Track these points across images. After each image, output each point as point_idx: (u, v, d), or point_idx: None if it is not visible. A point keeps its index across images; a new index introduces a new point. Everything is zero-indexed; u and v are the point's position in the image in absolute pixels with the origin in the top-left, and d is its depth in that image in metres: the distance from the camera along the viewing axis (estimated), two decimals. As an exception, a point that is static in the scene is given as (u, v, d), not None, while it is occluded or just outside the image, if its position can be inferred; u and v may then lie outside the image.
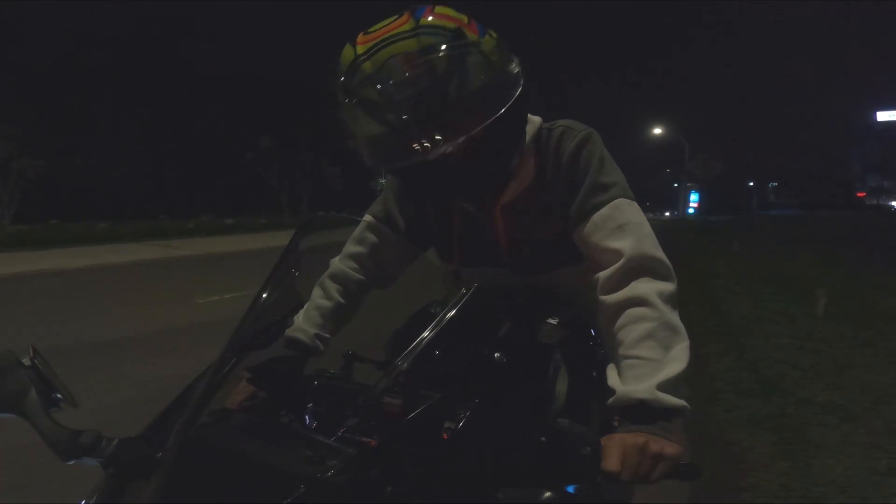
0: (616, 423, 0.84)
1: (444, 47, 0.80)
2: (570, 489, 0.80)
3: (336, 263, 1.16)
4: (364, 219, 1.19)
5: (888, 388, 3.40)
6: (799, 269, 9.09)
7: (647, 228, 0.96)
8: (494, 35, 0.89)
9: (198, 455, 0.64)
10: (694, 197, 39.00)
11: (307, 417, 0.82)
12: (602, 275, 0.94)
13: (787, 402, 3.20)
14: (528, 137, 1.03)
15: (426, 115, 0.80)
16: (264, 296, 0.80)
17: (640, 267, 0.92)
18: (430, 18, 0.83)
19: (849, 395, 3.28)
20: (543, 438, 0.71)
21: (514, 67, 0.88)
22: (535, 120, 1.06)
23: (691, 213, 38.15)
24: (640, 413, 0.81)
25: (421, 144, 0.81)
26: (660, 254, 0.93)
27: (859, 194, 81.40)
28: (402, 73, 0.79)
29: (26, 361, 0.70)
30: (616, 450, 0.74)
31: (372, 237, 1.16)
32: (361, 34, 0.85)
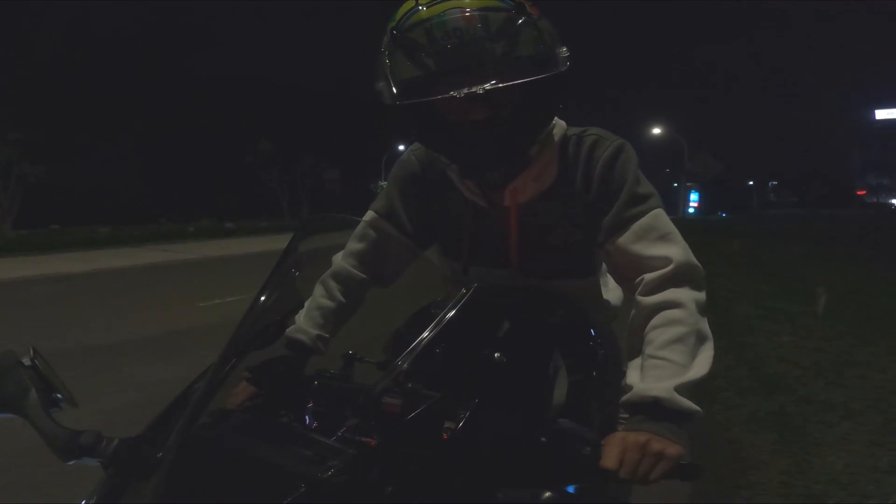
0: (622, 420, 0.84)
1: (503, 10, 0.83)
2: (570, 489, 0.80)
3: (338, 261, 1.15)
4: (366, 215, 1.18)
5: (889, 386, 3.40)
6: (799, 268, 9.09)
7: (683, 239, 0.99)
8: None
9: (198, 455, 0.64)
10: (694, 196, 39.06)
11: (307, 417, 0.82)
12: (648, 276, 0.95)
13: (788, 399, 3.21)
14: (555, 139, 1.02)
15: (467, 65, 0.82)
16: (264, 296, 0.80)
17: (686, 274, 0.94)
18: None
19: (849, 393, 3.28)
20: (543, 438, 0.71)
21: (564, 51, 0.90)
22: (560, 123, 1.05)
23: (691, 213, 38.16)
24: (652, 411, 0.81)
25: (454, 90, 0.81)
26: (698, 264, 0.96)
27: (859, 192, 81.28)
28: (456, 23, 0.81)
29: (26, 362, 0.70)
30: (616, 448, 0.73)
31: (373, 234, 1.15)
32: None
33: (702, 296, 0.93)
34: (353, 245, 1.15)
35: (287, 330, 1.04)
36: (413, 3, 0.86)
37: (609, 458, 0.72)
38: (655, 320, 0.91)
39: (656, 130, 37.19)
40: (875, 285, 7.26)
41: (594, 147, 1.02)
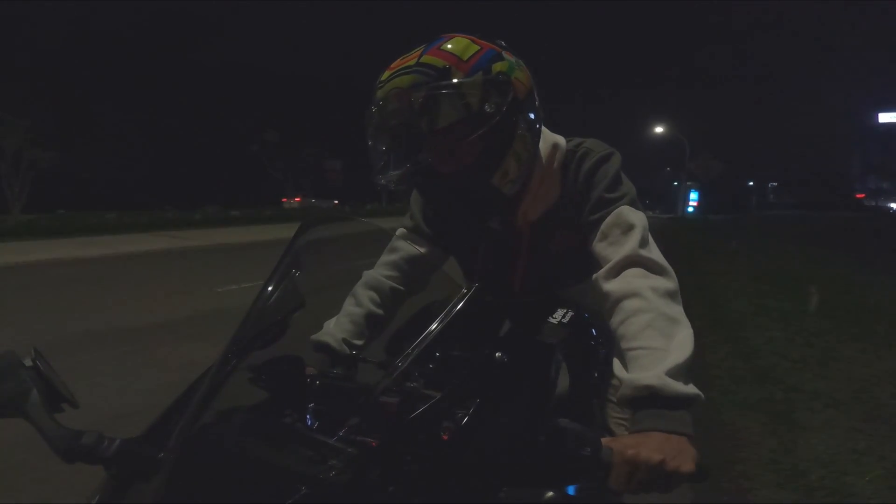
0: (623, 422, 0.83)
1: (424, 84, 0.90)
2: (571, 489, 0.81)
3: (370, 273, 1.20)
4: (398, 232, 1.27)
5: (871, 380, 3.58)
6: (794, 268, 9.21)
7: (647, 233, 1.00)
8: (498, 67, 0.95)
9: (199, 455, 0.64)
10: (693, 196, 39.32)
11: (309, 417, 0.82)
12: (600, 272, 0.99)
13: (778, 388, 3.40)
14: (555, 164, 1.09)
15: (406, 142, 0.95)
16: (265, 296, 0.80)
17: (634, 262, 0.96)
18: (431, 56, 0.93)
19: (834, 384, 3.47)
20: (543, 438, 0.71)
21: (490, 107, 0.94)
22: (560, 143, 1.10)
23: (691, 212, 38.34)
24: (651, 403, 0.78)
25: (409, 163, 0.96)
26: (654, 254, 0.97)
27: (858, 196, 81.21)
28: (394, 104, 0.92)
29: (28, 362, 0.70)
30: (625, 467, 0.70)
31: (408, 247, 1.22)
32: (400, 58, 0.97)
33: (660, 282, 0.92)
34: (387, 258, 1.22)
35: (314, 335, 1.08)
36: (380, 77, 0.96)
37: (618, 481, 0.70)
38: (619, 314, 0.92)
39: (659, 129, 37.08)
40: (865, 286, 7.38)
41: (583, 159, 1.09)
